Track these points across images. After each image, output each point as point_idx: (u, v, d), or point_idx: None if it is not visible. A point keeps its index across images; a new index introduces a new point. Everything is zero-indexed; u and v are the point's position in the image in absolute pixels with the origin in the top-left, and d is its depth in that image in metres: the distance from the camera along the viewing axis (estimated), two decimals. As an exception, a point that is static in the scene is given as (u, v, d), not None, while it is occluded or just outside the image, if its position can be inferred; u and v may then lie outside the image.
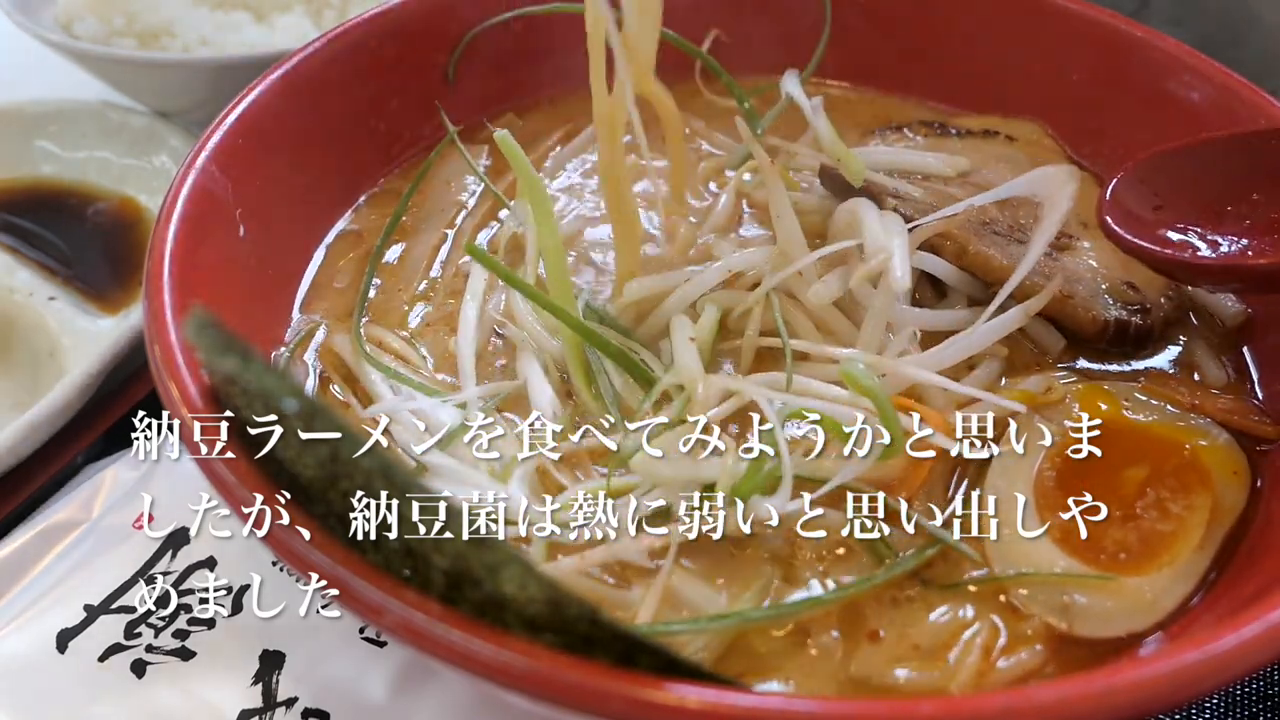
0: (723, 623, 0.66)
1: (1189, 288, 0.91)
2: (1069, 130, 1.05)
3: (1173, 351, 0.86)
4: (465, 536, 0.52)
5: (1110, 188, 0.85)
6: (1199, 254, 0.80)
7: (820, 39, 1.11)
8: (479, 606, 0.54)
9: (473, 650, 0.52)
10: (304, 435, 0.55)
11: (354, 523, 0.57)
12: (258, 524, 0.58)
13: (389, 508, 0.55)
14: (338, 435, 0.53)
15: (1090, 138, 1.03)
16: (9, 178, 1.23)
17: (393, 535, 0.56)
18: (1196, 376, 0.85)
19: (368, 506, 0.56)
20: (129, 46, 1.27)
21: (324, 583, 0.57)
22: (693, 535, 0.67)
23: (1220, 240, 0.80)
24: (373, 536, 0.57)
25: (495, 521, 0.70)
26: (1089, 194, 0.99)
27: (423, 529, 0.54)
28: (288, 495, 0.59)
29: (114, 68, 1.24)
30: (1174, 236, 0.82)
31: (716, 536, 0.68)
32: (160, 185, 1.20)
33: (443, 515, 0.53)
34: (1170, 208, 0.83)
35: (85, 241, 1.16)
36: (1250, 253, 0.79)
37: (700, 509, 0.69)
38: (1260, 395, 0.84)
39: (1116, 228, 0.82)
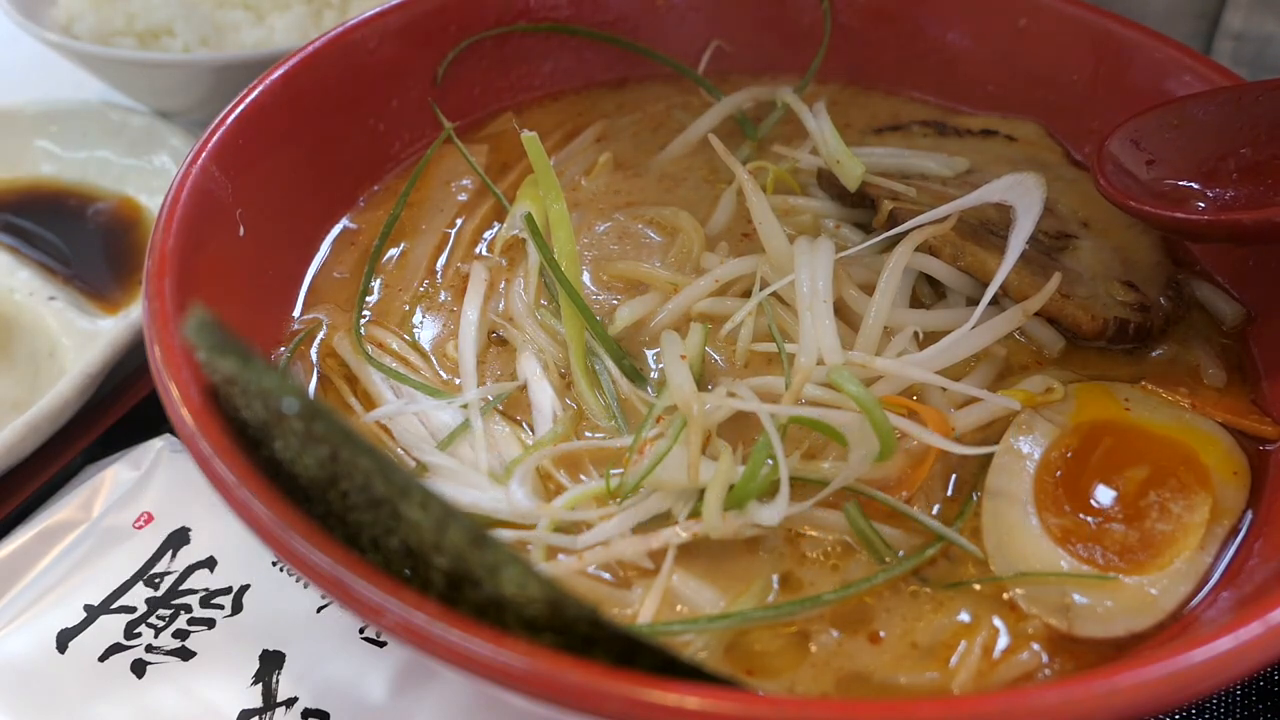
0: (723, 623, 0.66)
1: (1190, 289, 0.91)
2: (1069, 130, 1.05)
3: (1173, 350, 0.86)
4: (464, 537, 0.52)
5: (1103, 146, 0.86)
6: (1192, 209, 0.81)
7: (821, 39, 1.11)
8: (479, 607, 0.54)
9: (472, 650, 0.52)
10: (303, 435, 0.55)
11: (353, 523, 0.57)
12: (256, 524, 0.58)
13: (392, 514, 0.55)
14: (337, 435, 0.53)
15: (1091, 138, 1.03)
16: (9, 178, 1.24)
17: (393, 536, 0.56)
18: (1197, 374, 0.85)
19: (373, 511, 0.56)
20: (129, 47, 1.27)
21: (324, 583, 0.56)
22: (687, 535, 0.68)
23: (1212, 194, 0.81)
24: (372, 537, 0.57)
25: (495, 522, 0.71)
26: (1089, 193, 0.99)
27: (422, 529, 0.54)
28: (287, 495, 0.59)
29: (114, 68, 1.24)
30: (1168, 193, 0.83)
31: (715, 536, 0.68)
32: (160, 185, 1.20)
33: (441, 516, 0.52)
34: (1162, 164, 0.84)
35: (85, 241, 1.16)
36: (1240, 204, 0.79)
37: (699, 511, 0.69)
38: (1260, 395, 0.83)
39: (1109, 185, 0.83)
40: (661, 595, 0.67)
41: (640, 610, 0.67)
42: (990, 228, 0.89)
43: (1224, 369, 0.85)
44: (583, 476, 0.75)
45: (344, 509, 0.57)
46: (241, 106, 0.87)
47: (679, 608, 0.68)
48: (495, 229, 0.96)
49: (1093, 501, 0.74)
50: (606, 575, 0.70)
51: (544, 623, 0.53)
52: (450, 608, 0.54)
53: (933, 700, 0.54)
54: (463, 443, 0.76)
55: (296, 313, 0.88)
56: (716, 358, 0.83)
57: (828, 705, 0.53)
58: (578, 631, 0.53)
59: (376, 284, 0.91)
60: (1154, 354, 0.86)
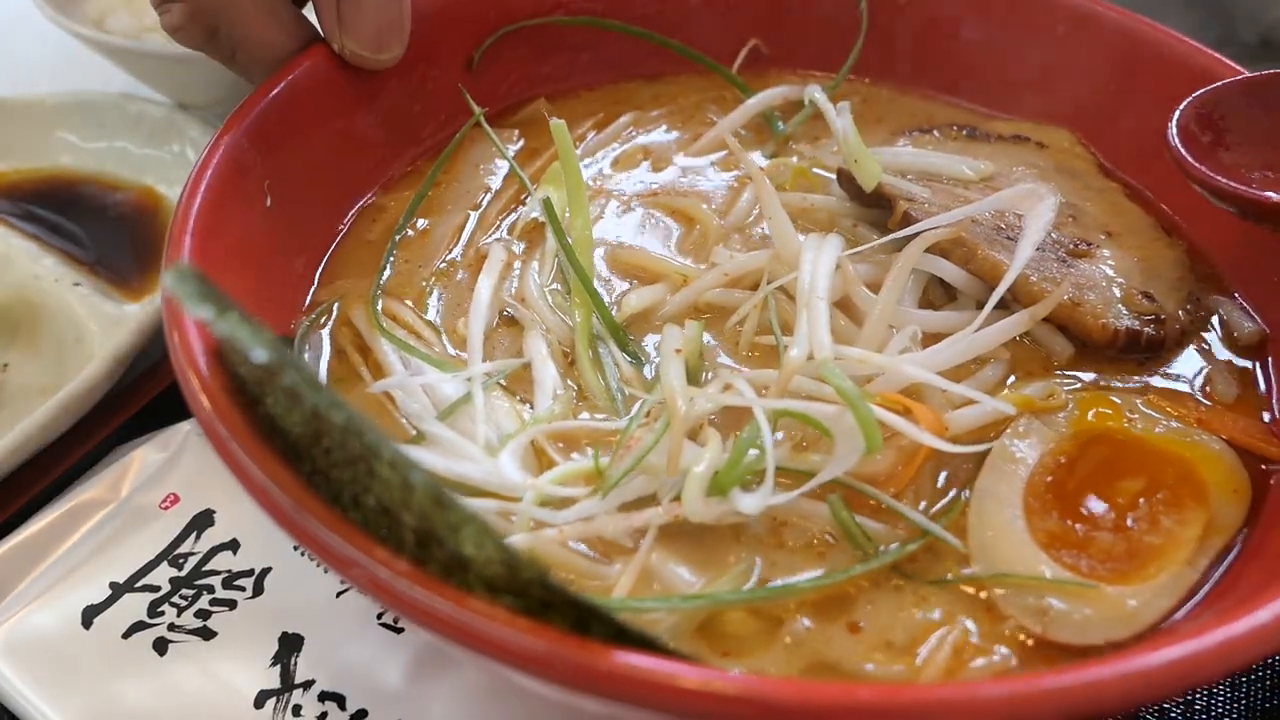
0: (694, 603, 0.66)
1: (1210, 304, 0.90)
2: (1103, 139, 1.03)
3: (1185, 364, 0.85)
4: (428, 496, 0.53)
5: (1176, 117, 0.84)
6: (1260, 189, 0.79)
7: (856, 39, 1.11)
8: (445, 566, 0.56)
9: (433, 607, 0.54)
10: (288, 391, 0.57)
11: (335, 480, 0.59)
12: (271, 506, 0.59)
13: (368, 472, 0.56)
14: (308, 388, 0.55)
15: (1124, 147, 1.02)
16: (30, 168, 1.25)
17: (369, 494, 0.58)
18: (1207, 390, 0.84)
19: (351, 468, 0.58)
20: (161, 42, 1.29)
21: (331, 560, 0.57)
22: (668, 516, 0.69)
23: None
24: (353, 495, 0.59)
25: (482, 493, 0.72)
26: (1118, 203, 0.98)
27: (392, 487, 0.55)
28: (281, 454, 0.60)
29: (144, 62, 1.26)
30: (1238, 169, 0.81)
31: (695, 520, 0.69)
32: (180, 175, 1.20)
33: (406, 474, 0.54)
34: (1235, 141, 0.83)
35: (107, 231, 1.18)
36: None
37: (683, 494, 0.69)
38: (1270, 415, 0.82)
39: (1184, 153, 0.82)
40: (638, 572, 0.68)
41: (617, 586, 0.68)
42: (1008, 232, 0.88)
43: (1236, 386, 0.83)
44: (575, 455, 0.76)
45: (327, 466, 0.59)
46: (278, 85, 0.89)
47: (654, 585, 0.69)
48: (518, 213, 0.97)
49: (1083, 509, 0.73)
50: (589, 550, 0.71)
51: (502, 584, 0.54)
52: (420, 566, 0.56)
53: (870, 686, 0.54)
54: (463, 415, 0.78)
55: (317, 284, 0.90)
56: (721, 349, 0.84)
57: (766, 684, 0.53)
58: (533, 595, 0.54)
59: (397, 259, 0.93)
60: (1166, 366, 0.85)
